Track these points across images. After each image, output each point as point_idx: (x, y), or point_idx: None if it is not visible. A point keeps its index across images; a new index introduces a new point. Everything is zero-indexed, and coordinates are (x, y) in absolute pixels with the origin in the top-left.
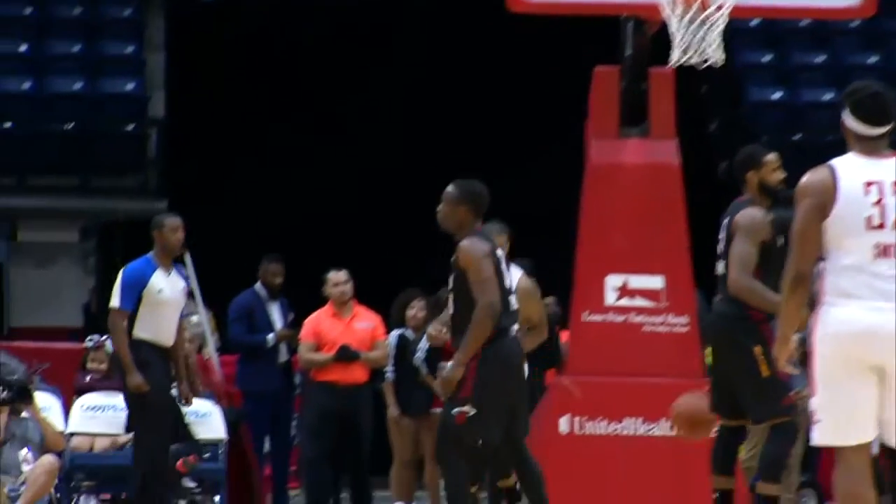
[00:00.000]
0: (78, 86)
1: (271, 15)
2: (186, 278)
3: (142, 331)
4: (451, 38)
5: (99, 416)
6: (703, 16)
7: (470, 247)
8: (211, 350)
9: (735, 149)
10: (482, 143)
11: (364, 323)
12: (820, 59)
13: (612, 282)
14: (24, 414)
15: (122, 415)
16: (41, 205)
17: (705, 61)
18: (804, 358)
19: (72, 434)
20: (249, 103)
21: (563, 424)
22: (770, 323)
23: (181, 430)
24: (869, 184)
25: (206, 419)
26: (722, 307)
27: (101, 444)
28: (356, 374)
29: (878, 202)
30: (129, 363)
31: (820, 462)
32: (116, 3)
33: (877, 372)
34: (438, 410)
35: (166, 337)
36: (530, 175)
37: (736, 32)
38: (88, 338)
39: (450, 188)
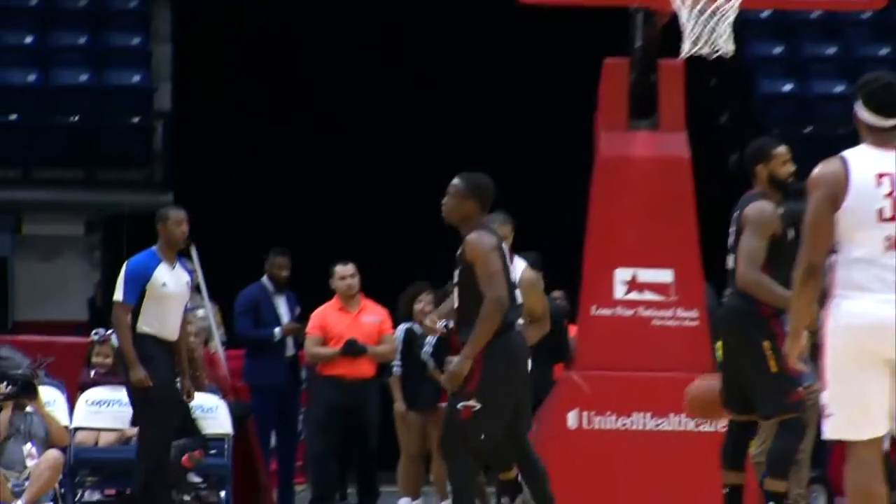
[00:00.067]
0: (83, 78)
1: (278, 4)
2: (191, 271)
3: (145, 325)
4: (458, 29)
5: (104, 411)
6: (713, 6)
7: (478, 240)
8: (217, 344)
9: (745, 141)
10: (490, 135)
11: (371, 317)
12: (831, 50)
13: (621, 275)
14: (28, 408)
15: (127, 409)
16: (46, 198)
17: (716, 52)
18: (814, 352)
19: (76, 429)
20: (256, 96)
21: (572, 419)
22: (779, 318)
23: (189, 425)
24: (881, 175)
25: (212, 414)
26: (732, 301)
27: (105, 439)
28: (363, 369)
29: (890, 194)
30: (132, 358)
31: (830, 458)
32: None
33: (889, 365)
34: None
35: (170, 331)
36: (538, 168)
37: (746, 24)
38: (94, 331)
39: (455, 181)
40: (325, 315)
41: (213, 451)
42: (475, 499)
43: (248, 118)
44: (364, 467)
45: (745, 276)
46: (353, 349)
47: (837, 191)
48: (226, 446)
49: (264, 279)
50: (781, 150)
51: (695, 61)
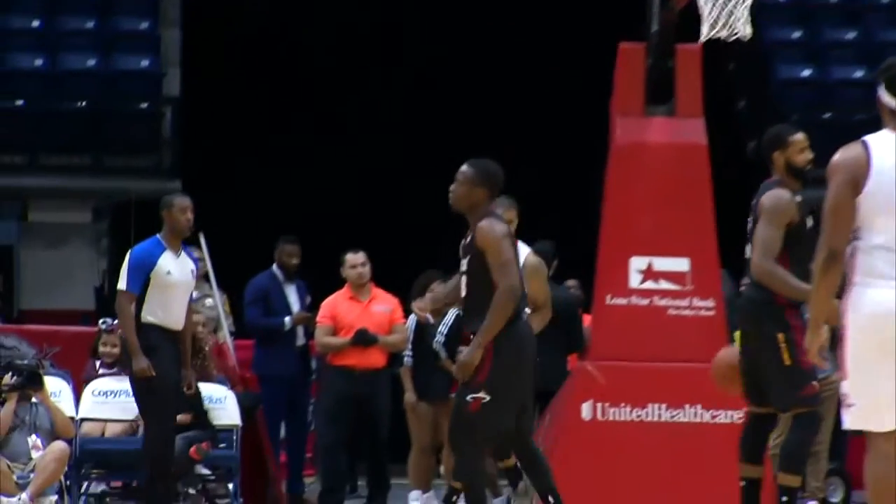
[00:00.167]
0: (91, 62)
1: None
2: (196, 260)
3: (150, 314)
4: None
5: (110, 402)
6: None
7: (489, 228)
8: (225, 334)
9: (763, 128)
10: (490, 135)
11: (382, 306)
12: (850, 35)
13: (637, 264)
14: (33, 399)
15: (133, 400)
16: (53, 184)
17: (734, 34)
18: (834, 341)
19: (82, 420)
20: (268, 82)
21: (586, 410)
22: (797, 309)
23: (200, 416)
24: None
25: (221, 405)
26: (749, 291)
27: (112, 430)
28: (374, 359)
29: None
30: (135, 347)
31: (848, 450)
32: None
33: None
34: None
35: (175, 320)
36: (553, 155)
37: (764, 8)
38: (102, 320)
39: (465, 168)
40: (336, 304)
41: (222, 445)
42: (485, 489)
43: (259, 104)
44: (375, 459)
45: (759, 266)
46: (363, 339)
47: (859, 175)
48: (234, 437)
49: (274, 267)
50: (799, 137)
51: (712, 46)
